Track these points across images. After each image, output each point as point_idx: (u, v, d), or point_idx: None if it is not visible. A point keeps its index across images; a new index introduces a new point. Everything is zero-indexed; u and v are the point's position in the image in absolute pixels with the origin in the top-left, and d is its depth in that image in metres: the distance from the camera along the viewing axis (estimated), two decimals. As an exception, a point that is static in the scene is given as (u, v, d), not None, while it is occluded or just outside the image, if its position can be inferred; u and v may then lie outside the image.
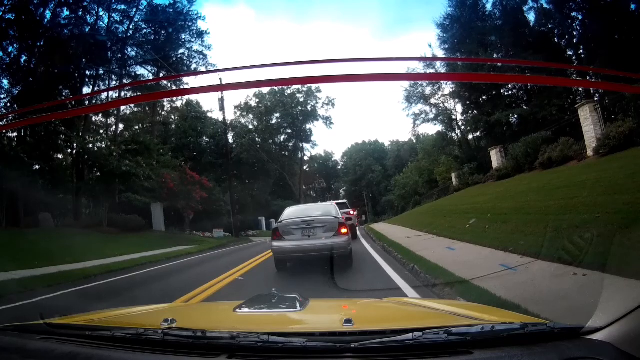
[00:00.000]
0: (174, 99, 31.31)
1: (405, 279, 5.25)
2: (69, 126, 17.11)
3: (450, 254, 6.46)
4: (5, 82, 17.72)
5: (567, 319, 1.42)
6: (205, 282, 6.01)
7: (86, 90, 21.35)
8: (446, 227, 9.83)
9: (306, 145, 46.96)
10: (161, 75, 23.22)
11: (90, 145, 17.93)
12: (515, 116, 23.56)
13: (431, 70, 22.03)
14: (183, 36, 24.90)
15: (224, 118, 28.51)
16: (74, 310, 3.23)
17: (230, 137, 35.13)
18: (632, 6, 19.20)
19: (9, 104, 17.38)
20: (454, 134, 30.41)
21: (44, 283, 6.66)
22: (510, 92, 25.04)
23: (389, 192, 51.75)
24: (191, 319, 1.72)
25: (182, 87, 16.58)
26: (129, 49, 22.81)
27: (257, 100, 42.20)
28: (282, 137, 44.98)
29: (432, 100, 29.93)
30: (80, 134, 17.67)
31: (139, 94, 16.39)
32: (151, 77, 23.14)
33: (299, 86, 38.48)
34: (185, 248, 14.66)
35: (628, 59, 16.55)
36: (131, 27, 22.04)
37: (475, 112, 25.97)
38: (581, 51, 22.76)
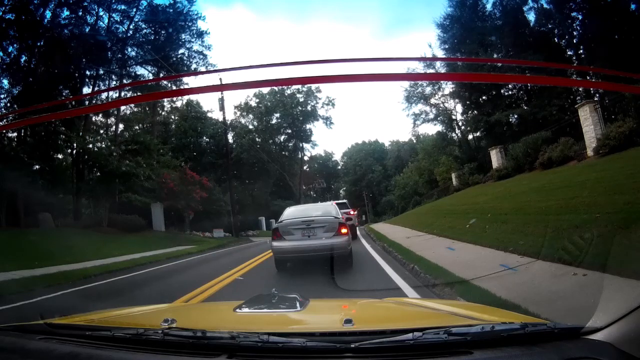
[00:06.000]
0: (174, 99, 31.40)
1: (405, 279, 5.25)
2: (69, 126, 17.11)
3: (450, 254, 6.46)
4: (5, 82, 17.77)
5: (567, 319, 1.42)
6: (205, 282, 6.01)
7: (86, 90, 21.39)
8: (446, 227, 9.83)
9: (306, 145, 46.96)
10: (161, 75, 23.22)
11: (90, 145, 17.93)
12: (515, 116, 23.59)
13: (431, 70, 22.04)
14: (183, 36, 24.92)
15: (224, 118, 28.54)
16: (74, 310, 3.23)
17: (230, 137, 35.14)
18: (632, 6, 19.23)
19: (9, 104, 17.39)
20: (454, 134, 30.43)
21: (44, 283, 6.65)
22: (510, 92, 25.07)
23: (389, 192, 51.73)
24: (191, 319, 1.72)
25: (182, 87, 16.60)
26: (129, 49, 22.83)
27: (257, 100, 42.22)
28: (282, 137, 44.96)
29: (432, 100, 30.00)
30: (80, 134, 17.65)
31: (139, 94, 16.38)
32: (151, 77, 23.15)
33: (299, 86, 38.50)
34: (185, 248, 14.66)
35: (628, 59, 16.56)
36: (131, 27, 22.05)
37: (475, 112, 25.99)
38: (581, 51, 22.80)
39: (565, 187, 8.11)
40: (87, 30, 19.86)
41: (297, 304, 1.63)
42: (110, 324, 1.43)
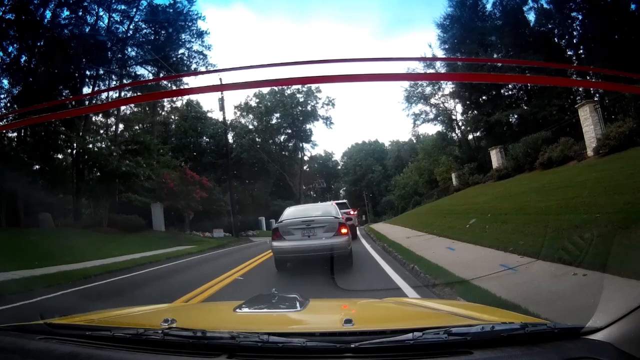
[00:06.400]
0: (174, 99, 31.39)
1: (405, 279, 5.25)
2: (69, 126, 17.11)
3: (450, 254, 6.46)
4: (5, 82, 17.77)
5: (567, 319, 1.42)
6: (205, 282, 6.01)
7: (86, 90, 21.39)
8: (446, 227, 9.83)
9: (306, 145, 46.96)
10: (161, 75, 23.22)
11: (90, 145, 17.94)
12: (515, 116, 23.59)
13: (431, 70, 22.05)
14: (183, 36, 24.92)
15: (224, 118, 28.54)
16: (74, 310, 3.23)
17: (230, 137, 35.13)
18: (632, 6, 19.23)
19: (9, 104, 17.40)
20: (454, 134, 30.43)
21: (44, 283, 6.65)
22: (510, 92, 25.08)
23: (389, 192, 51.73)
24: (191, 319, 1.72)
25: (182, 87, 16.60)
26: (129, 49, 22.83)
27: (257, 100, 42.22)
28: (282, 137, 44.96)
29: (432, 100, 30.00)
30: (80, 134, 17.65)
31: (139, 94, 16.38)
32: (151, 77, 23.15)
33: (299, 86, 38.50)
34: (185, 248, 14.66)
35: (628, 59, 16.56)
36: (131, 27, 22.05)
37: (475, 112, 25.99)
38: (581, 51, 22.80)
39: (565, 187, 8.11)
40: (87, 30, 19.89)
41: (297, 304, 1.63)
42: (110, 324, 1.43)
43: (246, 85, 1.55)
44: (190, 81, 32.34)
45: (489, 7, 25.56)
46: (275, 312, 1.65)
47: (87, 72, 20.81)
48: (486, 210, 9.49)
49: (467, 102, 26.76)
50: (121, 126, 25.92)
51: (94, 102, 15.43)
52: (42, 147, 16.94)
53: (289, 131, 43.90)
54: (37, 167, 16.92)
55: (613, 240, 3.91)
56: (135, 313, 1.86)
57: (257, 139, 40.93)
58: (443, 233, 9.22)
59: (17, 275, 7.09)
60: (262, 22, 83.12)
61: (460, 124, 29.56)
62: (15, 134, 17.11)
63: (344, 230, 6.30)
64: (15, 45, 17.55)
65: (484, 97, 24.92)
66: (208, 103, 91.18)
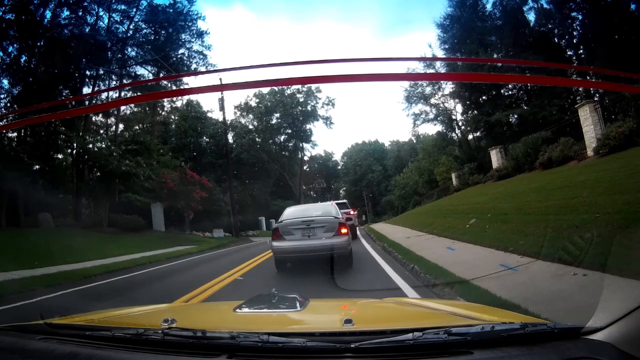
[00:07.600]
0: (174, 99, 31.37)
1: (405, 279, 5.25)
2: (69, 126, 17.12)
3: (450, 254, 6.46)
4: (5, 82, 17.78)
5: (567, 319, 1.42)
6: (205, 282, 6.01)
7: (86, 90, 21.39)
8: (446, 227, 9.83)
9: (306, 145, 46.99)
10: (161, 75, 23.22)
11: (90, 145, 17.92)
12: (515, 116, 23.57)
13: (431, 70, 22.02)
14: (183, 36, 24.94)
15: (224, 118, 28.52)
16: (74, 310, 3.22)
17: (230, 137, 35.12)
18: (632, 6, 19.24)
19: (9, 104, 17.40)
20: (454, 134, 30.42)
21: (44, 283, 6.65)
22: (510, 92, 25.06)
23: (389, 192, 51.72)
24: (191, 319, 1.71)
25: (182, 87, 16.61)
26: (129, 49, 22.83)
27: (257, 100, 42.23)
28: (282, 137, 44.99)
29: (432, 100, 29.95)
30: (80, 134, 17.66)
31: (139, 94, 16.38)
32: (151, 77, 23.14)
33: (299, 86, 38.50)
34: (185, 248, 14.66)
35: (628, 59, 16.56)
36: (131, 27, 22.05)
37: (475, 112, 25.97)
38: (581, 51, 22.80)
39: (565, 187, 8.10)
40: (87, 30, 19.90)
41: (297, 304, 1.63)
42: (110, 324, 1.43)
43: (246, 85, 1.55)
44: (190, 81, 32.32)
45: (489, 7, 25.61)
46: (275, 312, 1.65)
47: (87, 72, 20.82)
48: (486, 210, 9.49)
49: (467, 102, 26.75)
50: (121, 126, 25.94)
51: (94, 102, 15.43)
52: (42, 147, 16.94)
53: (289, 131, 43.92)
54: (37, 167, 16.93)
55: (613, 240, 3.91)
56: (135, 313, 1.86)
57: (257, 139, 40.97)
58: (443, 233, 9.22)
59: (17, 275, 7.08)
60: (262, 22, 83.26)
61: (460, 124, 29.57)
62: (15, 134, 17.14)
63: (344, 230, 6.30)
64: (15, 45, 17.58)
65: (484, 97, 24.91)
66: (208, 103, 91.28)
